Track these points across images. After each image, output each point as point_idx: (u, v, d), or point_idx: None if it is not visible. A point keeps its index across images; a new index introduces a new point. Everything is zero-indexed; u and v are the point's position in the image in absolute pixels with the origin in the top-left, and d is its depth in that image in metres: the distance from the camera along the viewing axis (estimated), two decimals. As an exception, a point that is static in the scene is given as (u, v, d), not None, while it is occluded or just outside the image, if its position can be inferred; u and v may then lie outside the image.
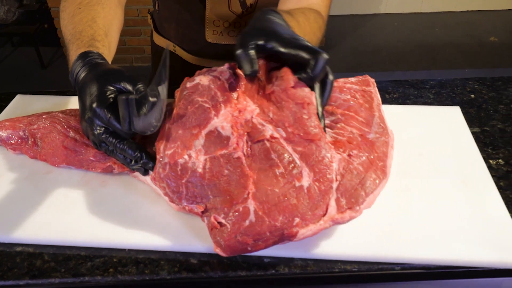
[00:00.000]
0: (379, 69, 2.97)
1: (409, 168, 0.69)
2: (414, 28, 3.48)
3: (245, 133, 0.57)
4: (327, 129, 0.61)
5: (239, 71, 0.60)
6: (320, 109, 0.58)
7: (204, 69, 0.64)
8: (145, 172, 0.61)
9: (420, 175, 0.68)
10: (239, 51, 0.56)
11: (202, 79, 0.61)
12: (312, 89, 0.58)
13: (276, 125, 0.57)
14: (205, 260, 0.58)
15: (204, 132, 0.57)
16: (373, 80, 0.68)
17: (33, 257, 0.59)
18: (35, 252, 0.59)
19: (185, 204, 0.59)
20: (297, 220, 0.51)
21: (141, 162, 0.59)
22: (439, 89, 0.91)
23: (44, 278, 0.56)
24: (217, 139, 0.57)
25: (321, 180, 0.54)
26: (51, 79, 3.04)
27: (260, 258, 0.58)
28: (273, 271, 0.56)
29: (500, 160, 0.72)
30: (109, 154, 0.60)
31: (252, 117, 0.58)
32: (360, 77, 0.68)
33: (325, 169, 0.54)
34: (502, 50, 3.13)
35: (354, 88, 0.66)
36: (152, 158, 0.60)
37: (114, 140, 0.58)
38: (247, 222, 0.52)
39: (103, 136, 0.58)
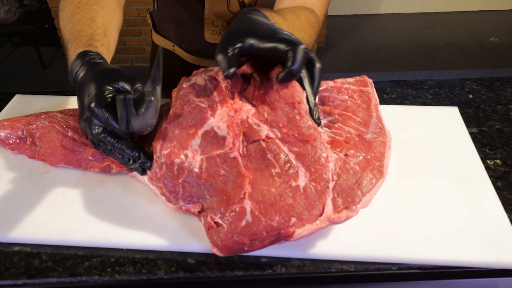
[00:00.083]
0: (379, 69, 2.97)
1: (406, 168, 0.69)
2: (414, 28, 3.48)
3: (241, 133, 0.57)
4: (324, 129, 0.61)
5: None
6: (311, 98, 0.57)
7: (201, 69, 0.64)
8: (143, 172, 0.61)
9: (418, 175, 0.68)
10: (218, 57, 0.55)
11: (198, 79, 0.61)
12: (301, 81, 0.57)
13: (271, 126, 0.57)
14: (202, 260, 0.58)
15: (200, 132, 0.57)
16: (370, 80, 0.68)
17: (31, 257, 0.59)
18: (33, 252, 0.60)
19: (181, 204, 0.59)
20: (293, 220, 0.51)
21: (139, 161, 0.60)
22: (437, 90, 0.91)
23: (41, 277, 0.56)
24: (213, 139, 0.57)
25: (317, 180, 0.54)
26: (51, 79, 3.04)
27: (257, 258, 0.58)
28: (270, 271, 0.56)
29: (497, 161, 0.72)
30: (107, 153, 0.61)
31: (248, 117, 0.58)
32: (358, 77, 0.68)
33: (321, 169, 0.54)
34: (502, 51, 3.13)
35: (352, 89, 0.66)
36: (150, 157, 0.60)
37: (112, 140, 0.58)
38: (243, 222, 0.52)
39: (102, 135, 0.58)
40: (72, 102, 0.88)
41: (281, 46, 0.54)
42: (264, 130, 0.57)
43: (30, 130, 0.73)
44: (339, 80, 0.67)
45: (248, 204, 0.53)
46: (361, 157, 0.57)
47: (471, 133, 0.76)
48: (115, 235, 0.60)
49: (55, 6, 2.89)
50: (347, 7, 3.69)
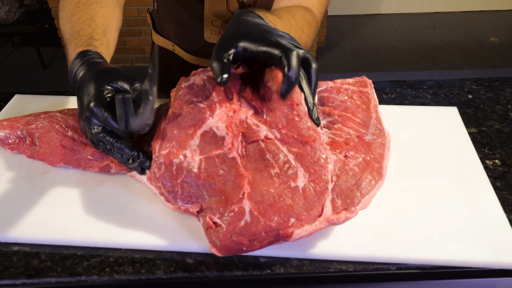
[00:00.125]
0: (380, 69, 2.97)
1: (406, 169, 0.69)
2: (414, 29, 3.48)
3: (240, 134, 0.57)
4: (324, 129, 0.61)
5: (234, 71, 0.60)
6: (310, 99, 0.57)
7: (200, 69, 0.64)
8: (142, 171, 0.62)
9: (417, 175, 0.68)
10: (212, 64, 0.55)
11: (197, 79, 0.61)
12: (299, 82, 0.57)
13: (270, 126, 0.57)
14: (201, 259, 0.58)
15: (199, 132, 0.57)
16: (370, 81, 0.68)
17: (30, 257, 0.59)
18: (32, 252, 0.60)
19: (180, 204, 0.59)
20: (292, 220, 0.51)
21: (138, 161, 0.60)
22: (436, 90, 0.91)
23: (40, 277, 0.56)
24: (212, 139, 0.57)
25: (317, 180, 0.54)
26: (51, 79, 3.04)
27: (256, 258, 0.58)
28: (269, 271, 0.56)
29: (496, 161, 0.72)
30: (107, 153, 0.61)
31: (246, 117, 0.58)
32: (358, 78, 0.68)
33: (320, 170, 0.54)
34: (503, 51, 3.13)
35: (351, 89, 0.66)
36: (149, 157, 0.60)
37: (111, 139, 0.59)
38: (242, 222, 0.52)
39: (101, 135, 0.59)
40: (71, 102, 0.89)
41: (275, 52, 0.54)
42: (263, 131, 0.57)
43: (30, 130, 0.73)
44: (339, 80, 0.67)
45: (247, 204, 0.53)
46: (360, 159, 0.57)
47: (470, 133, 0.76)
48: (114, 235, 0.60)
49: (55, 6, 2.90)
50: (348, 7, 3.69)
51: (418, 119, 0.80)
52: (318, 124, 0.58)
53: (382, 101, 0.86)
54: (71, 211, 0.64)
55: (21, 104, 0.88)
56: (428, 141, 0.74)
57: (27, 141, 0.73)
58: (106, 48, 0.69)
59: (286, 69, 0.53)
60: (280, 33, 0.58)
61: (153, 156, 0.59)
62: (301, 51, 0.56)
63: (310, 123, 0.56)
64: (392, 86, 0.92)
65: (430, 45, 3.23)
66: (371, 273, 0.56)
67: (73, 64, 0.64)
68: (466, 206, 0.62)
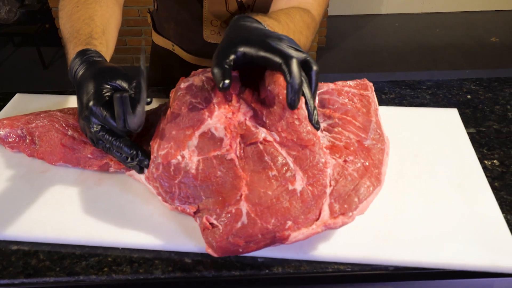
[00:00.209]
0: (380, 69, 2.97)
1: (405, 171, 0.69)
2: (415, 29, 3.48)
3: (239, 135, 0.57)
4: (324, 133, 0.60)
5: (234, 74, 0.60)
6: (311, 102, 0.57)
7: (199, 70, 0.64)
8: (141, 170, 0.62)
9: (416, 177, 0.68)
10: (212, 70, 0.55)
11: (196, 80, 0.61)
12: None
13: (269, 129, 0.57)
14: (199, 259, 0.58)
15: (197, 133, 0.57)
16: (371, 84, 0.68)
17: (28, 256, 0.59)
18: (30, 251, 0.60)
19: (177, 204, 0.59)
20: (289, 223, 0.51)
21: (137, 159, 0.60)
22: (435, 90, 0.91)
23: (39, 277, 0.57)
24: (210, 140, 0.57)
25: (315, 184, 0.53)
26: (52, 79, 3.04)
27: (254, 258, 0.58)
28: (267, 271, 0.56)
29: (495, 161, 0.72)
30: (106, 151, 0.62)
31: (245, 119, 0.58)
32: (359, 80, 0.68)
33: (319, 173, 0.54)
34: (503, 51, 3.12)
35: (352, 92, 0.66)
36: (148, 155, 0.60)
37: (110, 138, 0.59)
38: (239, 224, 0.52)
39: (100, 133, 0.59)
40: (71, 101, 0.89)
41: (275, 59, 0.54)
42: (262, 133, 0.57)
43: (30, 128, 0.73)
44: (340, 82, 0.67)
45: (244, 206, 0.53)
46: (359, 164, 0.57)
47: (468, 133, 0.76)
48: (112, 234, 0.60)
49: (55, 6, 2.90)
50: (348, 7, 3.69)
51: (418, 120, 0.79)
52: (317, 128, 0.58)
53: (381, 101, 0.86)
54: (69, 210, 0.64)
55: (22, 103, 0.89)
56: (428, 143, 0.74)
57: (27, 140, 0.73)
58: (106, 47, 0.70)
59: (288, 76, 0.53)
60: (279, 36, 0.57)
61: (151, 156, 0.59)
62: (301, 55, 0.56)
63: (310, 127, 0.56)
64: (391, 86, 0.92)
65: (430, 45, 3.22)
66: (369, 273, 0.56)
67: (73, 63, 0.64)
68: (466, 208, 0.62)
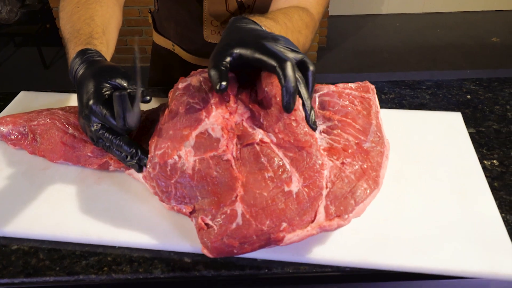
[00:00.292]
0: (380, 69, 2.97)
1: (404, 172, 0.69)
2: (415, 29, 3.48)
3: (235, 136, 0.57)
4: (323, 135, 0.60)
5: (231, 75, 0.60)
6: (308, 103, 0.57)
7: (198, 70, 0.64)
8: (140, 169, 0.62)
9: (416, 178, 0.67)
10: (209, 72, 0.54)
11: (194, 80, 0.61)
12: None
13: (266, 130, 0.57)
14: (199, 259, 0.58)
15: (194, 133, 0.57)
16: (373, 86, 0.67)
17: (28, 256, 0.59)
18: (30, 251, 0.60)
19: (174, 204, 0.59)
20: (284, 225, 0.51)
21: (136, 158, 0.60)
22: (435, 90, 0.91)
23: (39, 276, 0.57)
24: (207, 140, 0.57)
25: (311, 186, 0.53)
26: (53, 79, 3.05)
27: (254, 258, 0.58)
28: (266, 271, 0.56)
29: (494, 161, 0.72)
30: (106, 149, 0.62)
31: (243, 120, 0.58)
32: (360, 82, 0.68)
33: (315, 175, 0.54)
34: (504, 51, 3.12)
35: (353, 94, 0.65)
36: (147, 154, 0.60)
37: (110, 136, 0.60)
38: (234, 225, 0.52)
39: (100, 132, 0.59)
40: (74, 100, 0.89)
41: (270, 62, 0.53)
42: (259, 134, 0.57)
43: (32, 126, 0.74)
44: (341, 84, 0.67)
45: (239, 207, 0.53)
46: (357, 166, 0.56)
47: (468, 133, 0.76)
48: (110, 233, 0.60)
49: (56, 6, 2.90)
50: (348, 7, 3.69)
51: (422, 123, 0.79)
52: (314, 129, 0.58)
53: (380, 102, 0.86)
54: (68, 208, 0.64)
55: (26, 100, 0.90)
56: (430, 145, 0.74)
57: (29, 137, 0.74)
58: (106, 47, 0.70)
59: (282, 80, 0.52)
60: (275, 37, 0.57)
61: (149, 156, 0.59)
62: (298, 56, 0.56)
63: (307, 128, 0.56)
64: (391, 86, 0.92)
65: (431, 45, 3.22)
66: (368, 272, 0.56)
67: (73, 62, 0.65)
68: (465, 209, 0.62)
